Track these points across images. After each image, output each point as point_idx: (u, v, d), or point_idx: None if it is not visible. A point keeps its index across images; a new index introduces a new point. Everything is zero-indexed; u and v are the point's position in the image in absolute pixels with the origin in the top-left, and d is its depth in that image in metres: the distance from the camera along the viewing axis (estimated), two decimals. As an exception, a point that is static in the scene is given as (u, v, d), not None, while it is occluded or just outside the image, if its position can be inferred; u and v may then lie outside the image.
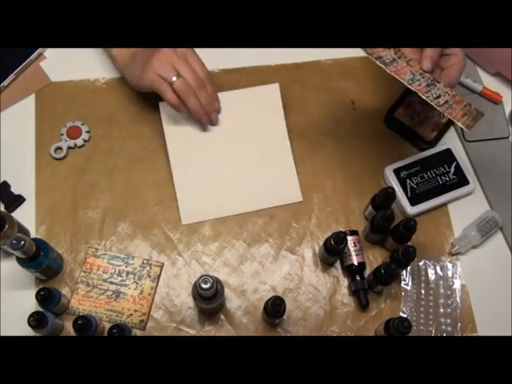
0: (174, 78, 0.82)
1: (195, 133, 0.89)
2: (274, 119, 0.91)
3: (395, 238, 0.81)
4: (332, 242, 0.77)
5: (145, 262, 0.84)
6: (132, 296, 0.82)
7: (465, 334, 0.82)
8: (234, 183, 0.88)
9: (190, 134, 0.89)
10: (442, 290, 0.84)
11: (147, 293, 0.83)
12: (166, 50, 0.82)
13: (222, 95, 0.90)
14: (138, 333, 0.81)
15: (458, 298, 0.84)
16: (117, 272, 0.83)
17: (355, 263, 0.83)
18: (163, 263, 0.85)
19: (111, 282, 0.83)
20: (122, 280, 0.83)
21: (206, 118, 0.87)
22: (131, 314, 0.81)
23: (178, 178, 0.88)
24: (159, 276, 0.84)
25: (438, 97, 0.79)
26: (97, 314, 0.81)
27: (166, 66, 0.82)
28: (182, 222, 0.86)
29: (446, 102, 0.79)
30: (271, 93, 0.92)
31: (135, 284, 0.83)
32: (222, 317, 0.82)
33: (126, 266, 0.84)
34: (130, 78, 0.88)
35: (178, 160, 0.88)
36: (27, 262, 0.76)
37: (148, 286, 0.83)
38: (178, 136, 0.89)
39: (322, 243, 0.85)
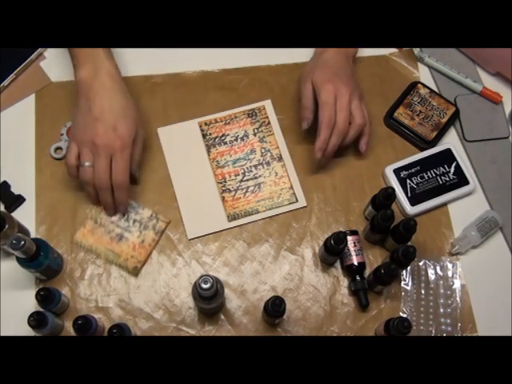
0: (87, 164, 0.78)
1: (195, 153, 0.90)
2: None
3: (395, 238, 0.81)
4: (332, 241, 0.77)
5: (153, 215, 0.86)
6: (133, 243, 0.85)
7: (465, 334, 0.82)
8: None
9: (190, 154, 0.90)
10: (441, 290, 0.84)
11: (148, 243, 0.85)
12: (105, 135, 0.77)
13: (219, 114, 0.92)
14: (137, 332, 0.81)
15: (458, 298, 0.84)
16: (125, 217, 0.86)
17: (355, 263, 0.83)
18: (170, 221, 0.86)
19: (118, 225, 0.85)
20: (128, 226, 0.85)
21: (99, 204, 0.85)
22: (127, 259, 0.84)
23: (181, 195, 0.88)
24: (163, 231, 0.86)
25: (255, 178, 0.88)
26: (96, 250, 0.84)
27: (88, 148, 0.78)
28: (187, 236, 0.86)
29: (259, 184, 0.87)
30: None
31: (139, 232, 0.85)
32: (222, 317, 0.82)
33: (135, 214, 0.86)
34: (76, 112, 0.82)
35: (180, 180, 0.89)
36: (27, 262, 0.76)
37: (150, 237, 0.85)
38: (178, 158, 0.90)
39: (322, 243, 0.85)
